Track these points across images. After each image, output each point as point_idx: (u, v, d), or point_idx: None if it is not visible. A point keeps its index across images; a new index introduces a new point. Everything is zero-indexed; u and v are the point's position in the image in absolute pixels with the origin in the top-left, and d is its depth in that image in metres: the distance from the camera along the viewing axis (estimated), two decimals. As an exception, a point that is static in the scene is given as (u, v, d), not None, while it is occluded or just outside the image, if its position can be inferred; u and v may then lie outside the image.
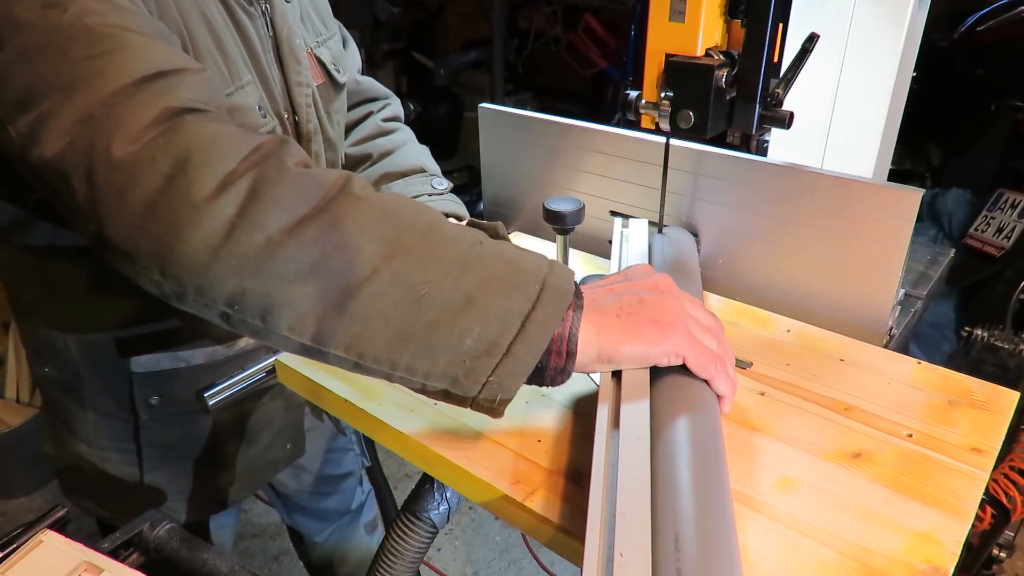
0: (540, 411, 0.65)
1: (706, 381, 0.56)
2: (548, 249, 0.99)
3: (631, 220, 0.89)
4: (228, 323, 0.51)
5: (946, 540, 0.51)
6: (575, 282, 0.54)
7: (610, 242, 0.99)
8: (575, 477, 0.58)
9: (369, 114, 1.07)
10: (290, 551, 1.83)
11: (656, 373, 0.57)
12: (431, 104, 3.45)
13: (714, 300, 0.86)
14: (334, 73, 0.90)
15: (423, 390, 0.52)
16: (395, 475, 2.09)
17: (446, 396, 0.52)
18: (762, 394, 0.67)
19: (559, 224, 0.79)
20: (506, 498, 0.56)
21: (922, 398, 0.66)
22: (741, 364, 0.71)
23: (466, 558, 1.93)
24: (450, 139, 3.55)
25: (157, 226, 0.48)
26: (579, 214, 0.79)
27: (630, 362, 0.55)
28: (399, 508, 0.69)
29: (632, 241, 0.85)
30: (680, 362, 0.55)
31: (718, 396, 0.57)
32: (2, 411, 2.11)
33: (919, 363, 0.71)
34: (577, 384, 0.67)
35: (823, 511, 0.54)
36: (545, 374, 0.52)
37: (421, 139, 1.09)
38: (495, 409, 0.52)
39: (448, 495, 0.68)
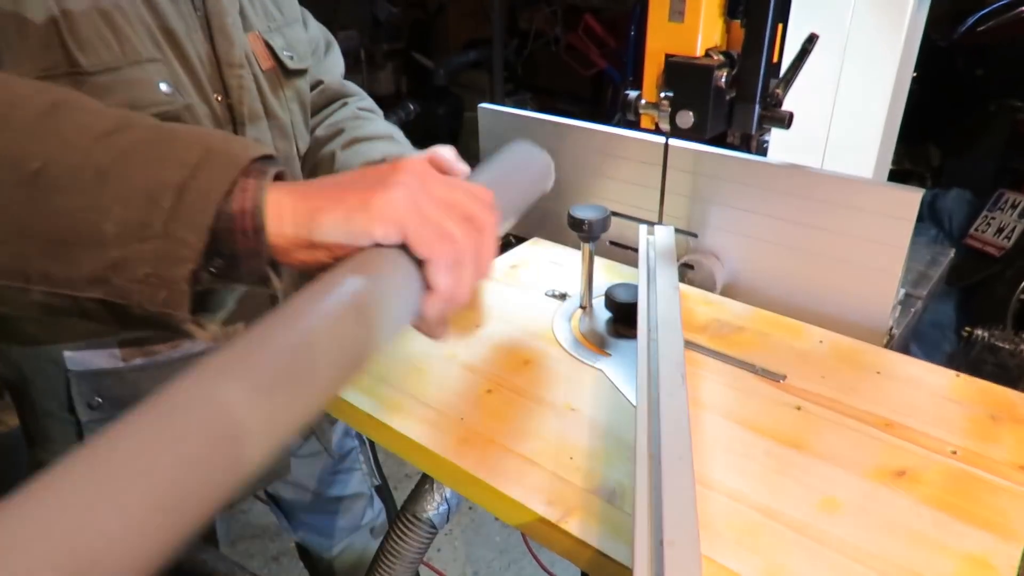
0: (571, 427, 0.64)
1: (421, 264, 0.44)
2: (556, 252, 0.99)
3: (656, 227, 0.87)
4: None
5: (1000, 564, 0.49)
6: (272, 156, 0.45)
7: (621, 247, 0.99)
8: (610, 496, 0.56)
9: (345, 104, 1.04)
10: (290, 551, 1.83)
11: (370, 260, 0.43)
12: (431, 104, 3.45)
13: (739, 308, 0.83)
14: (284, 59, 0.87)
15: (83, 309, 0.42)
16: (395, 475, 2.08)
17: (112, 313, 0.42)
18: (798, 408, 0.65)
19: (584, 231, 0.79)
20: (541, 520, 0.54)
21: (964, 412, 0.64)
22: (773, 377, 0.69)
23: (466, 558, 1.93)
24: (450, 139, 3.55)
25: None
26: (605, 222, 0.78)
27: (331, 234, 0.43)
28: (399, 508, 0.69)
29: (659, 248, 0.83)
30: (400, 238, 0.43)
31: (425, 287, 0.44)
32: (2, 411, 2.11)
33: (958, 375, 0.69)
34: (608, 398, 0.66)
35: (871, 534, 0.52)
36: (240, 265, 0.43)
37: (421, 139, 1.08)
38: (174, 317, 0.41)
39: (448, 495, 0.68)
